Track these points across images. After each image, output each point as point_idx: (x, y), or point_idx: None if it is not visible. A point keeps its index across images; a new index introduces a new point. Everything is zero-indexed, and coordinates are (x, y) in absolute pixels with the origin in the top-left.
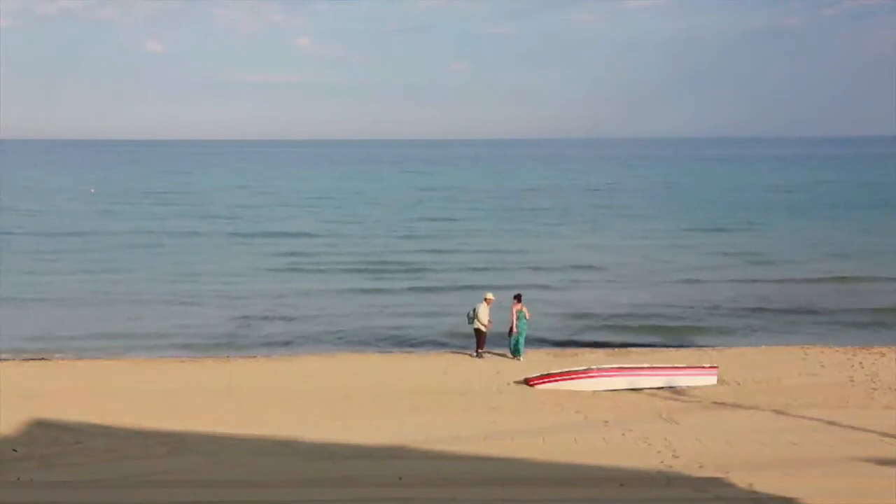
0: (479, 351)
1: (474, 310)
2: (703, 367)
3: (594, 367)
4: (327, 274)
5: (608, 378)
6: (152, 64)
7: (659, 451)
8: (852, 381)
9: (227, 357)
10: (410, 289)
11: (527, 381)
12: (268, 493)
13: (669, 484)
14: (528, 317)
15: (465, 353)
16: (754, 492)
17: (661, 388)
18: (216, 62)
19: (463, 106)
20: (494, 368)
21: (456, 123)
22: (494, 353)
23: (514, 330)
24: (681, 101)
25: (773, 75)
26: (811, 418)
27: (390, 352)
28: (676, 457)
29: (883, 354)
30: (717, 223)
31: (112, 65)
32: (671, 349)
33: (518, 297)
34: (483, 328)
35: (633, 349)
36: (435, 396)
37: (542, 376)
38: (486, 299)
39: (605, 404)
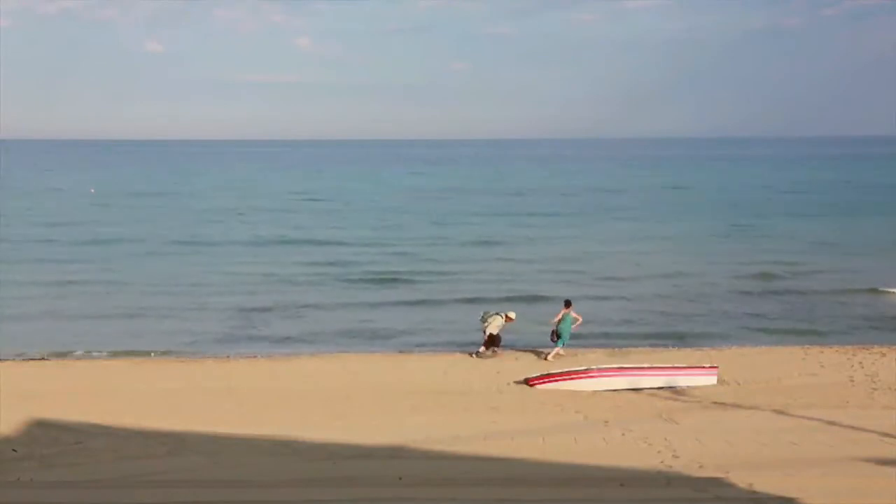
0: (494, 349)
1: (493, 315)
2: (703, 367)
3: (594, 367)
4: (328, 280)
5: (608, 378)
6: (152, 64)
7: (659, 451)
8: (852, 381)
9: (227, 357)
10: (418, 300)
11: (527, 381)
12: (268, 493)
13: (669, 484)
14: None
15: (465, 354)
16: (754, 492)
17: (661, 388)
18: (216, 62)
19: (463, 106)
20: (494, 368)
21: (456, 123)
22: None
23: (556, 332)
24: (681, 101)
25: (773, 75)
26: (811, 418)
27: (390, 352)
28: (676, 457)
29: (883, 354)
30: (719, 224)
31: (112, 65)
32: (671, 349)
33: (568, 303)
34: (495, 334)
35: (633, 349)
36: (435, 396)
37: (542, 376)
38: (506, 316)
39: (605, 404)
